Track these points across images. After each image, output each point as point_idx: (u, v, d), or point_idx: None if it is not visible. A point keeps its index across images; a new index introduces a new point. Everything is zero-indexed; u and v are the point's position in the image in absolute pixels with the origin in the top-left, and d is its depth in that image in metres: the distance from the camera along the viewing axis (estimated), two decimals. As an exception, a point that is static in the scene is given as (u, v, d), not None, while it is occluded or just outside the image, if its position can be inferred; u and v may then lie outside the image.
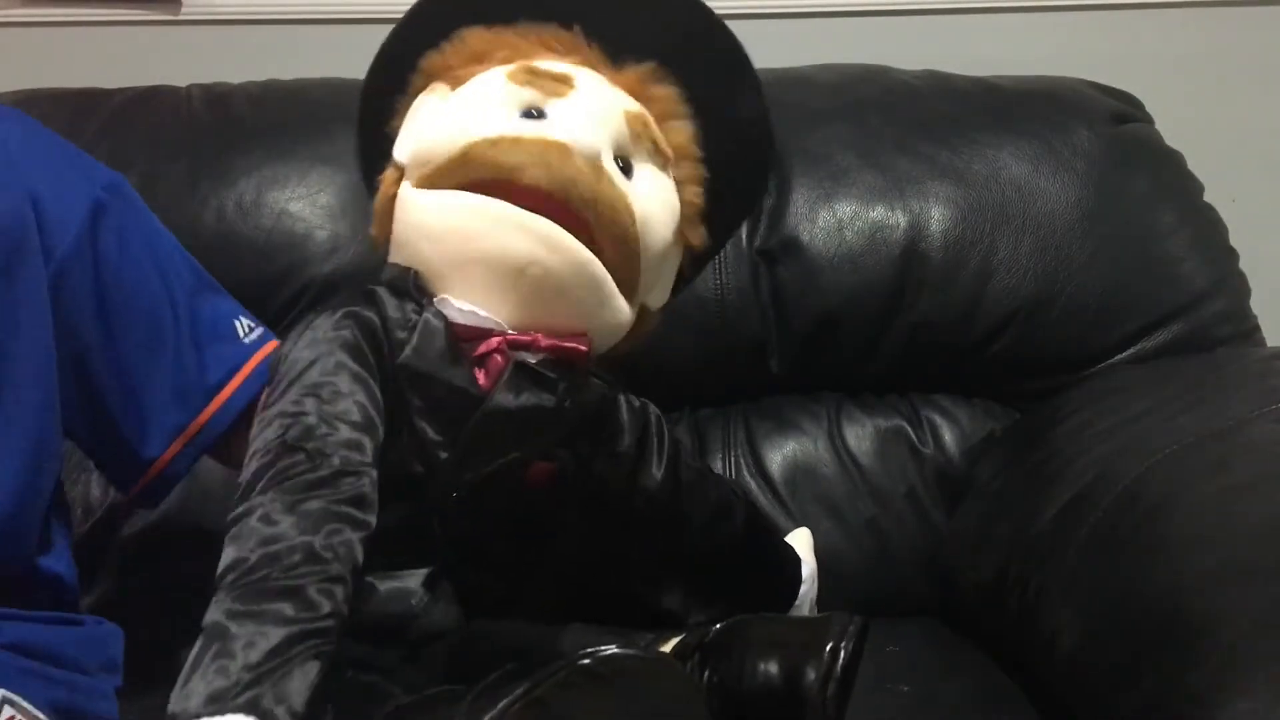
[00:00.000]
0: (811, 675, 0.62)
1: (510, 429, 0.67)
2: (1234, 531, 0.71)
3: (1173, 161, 1.16)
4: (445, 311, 0.68)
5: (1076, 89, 1.19)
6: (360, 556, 0.59)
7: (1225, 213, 1.15)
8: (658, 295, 0.76)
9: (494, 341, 0.67)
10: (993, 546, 0.93)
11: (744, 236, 1.10)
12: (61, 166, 0.79)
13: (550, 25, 0.74)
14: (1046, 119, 1.14)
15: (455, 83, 0.73)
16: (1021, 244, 1.09)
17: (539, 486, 0.70)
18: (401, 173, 0.73)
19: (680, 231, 0.74)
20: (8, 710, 0.66)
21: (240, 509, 0.59)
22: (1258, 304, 1.13)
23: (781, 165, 1.11)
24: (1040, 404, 1.06)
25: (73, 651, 0.75)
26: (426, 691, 0.61)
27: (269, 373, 0.67)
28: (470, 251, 0.67)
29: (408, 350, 0.66)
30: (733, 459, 1.09)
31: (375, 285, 0.69)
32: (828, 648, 0.63)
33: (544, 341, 0.67)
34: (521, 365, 0.66)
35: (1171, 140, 1.17)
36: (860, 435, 1.10)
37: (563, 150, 0.67)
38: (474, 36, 0.74)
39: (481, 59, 0.73)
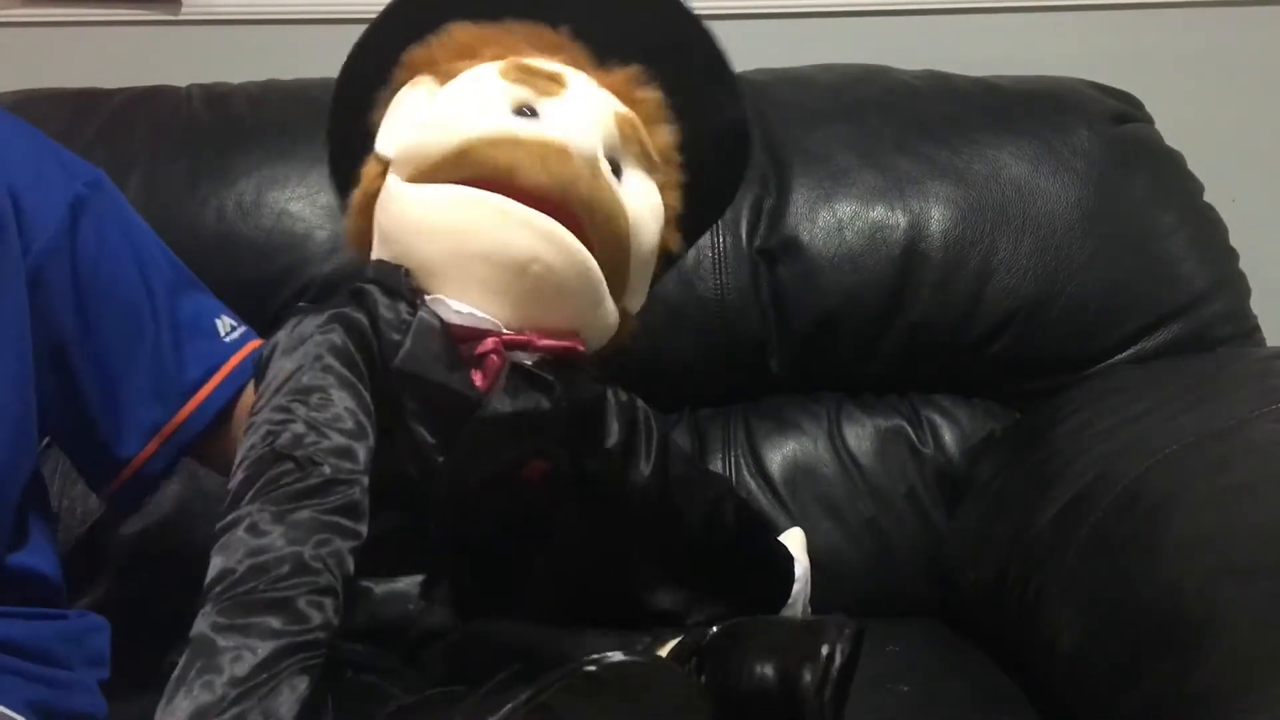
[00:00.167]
0: (807, 678, 0.62)
1: (508, 431, 0.66)
2: (1234, 531, 0.71)
3: (1173, 161, 1.16)
4: (440, 311, 0.66)
5: (1076, 89, 1.19)
6: (350, 567, 0.58)
7: (1225, 213, 1.15)
8: (636, 299, 0.76)
9: (490, 342, 0.66)
10: (993, 546, 0.93)
11: (744, 236, 1.11)
12: (42, 162, 0.78)
13: (537, 24, 0.74)
14: (1046, 119, 1.14)
15: (442, 77, 0.72)
16: (1021, 244, 1.09)
17: (534, 484, 0.69)
18: (385, 166, 0.71)
19: (662, 235, 0.74)
20: None
21: (228, 519, 0.58)
22: (1258, 304, 1.13)
23: (781, 165, 1.12)
24: (1040, 404, 1.06)
25: (53, 646, 0.74)
26: (427, 692, 0.60)
27: (254, 376, 0.66)
28: (470, 247, 0.66)
29: (402, 352, 0.65)
30: (733, 459, 1.09)
31: (364, 283, 0.67)
32: (823, 651, 0.62)
33: (540, 341, 0.67)
34: (518, 367, 0.66)
35: (1171, 140, 1.17)
36: (860, 435, 1.10)
37: (562, 151, 0.66)
38: (461, 31, 0.73)
39: (469, 54, 0.72)
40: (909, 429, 1.10)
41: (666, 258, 0.78)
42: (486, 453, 0.66)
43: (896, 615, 1.00)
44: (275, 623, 0.54)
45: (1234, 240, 1.14)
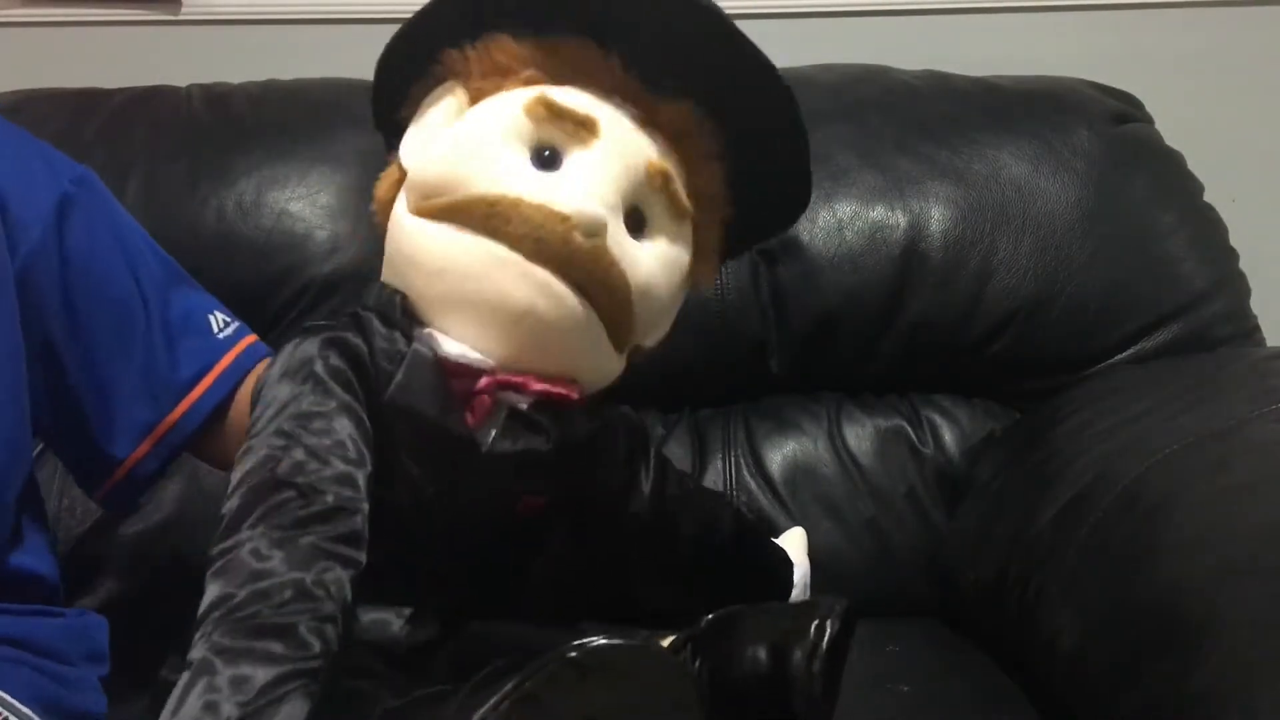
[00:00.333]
0: (798, 655, 0.62)
1: (500, 471, 0.65)
2: (1234, 531, 0.71)
3: (1173, 161, 1.16)
4: (434, 346, 0.65)
5: (1076, 89, 1.19)
6: (350, 595, 0.57)
7: (1225, 213, 1.15)
8: (654, 336, 0.73)
9: (484, 382, 0.64)
10: (993, 546, 0.93)
11: (744, 236, 1.11)
12: (28, 161, 0.78)
13: (586, 43, 0.68)
14: (1046, 119, 1.14)
15: (473, 95, 0.68)
16: (1021, 244, 1.09)
17: (529, 517, 0.68)
18: (401, 176, 0.69)
19: (689, 276, 0.71)
20: None
21: (226, 543, 0.57)
22: (1258, 304, 1.13)
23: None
24: (1040, 404, 1.06)
25: (56, 643, 0.74)
26: (415, 693, 0.60)
27: (253, 399, 0.64)
28: (466, 292, 0.64)
29: (393, 385, 0.63)
30: (733, 459, 1.09)
31: (364, 308, 0.66)
32: (814, 625, 0.63)
33: (534, 385, 0.65)
34: (514, 411, 0.65)
35: (1171, 140, 1.17)
36: (860, 435, 1.10)
37: (563, 222, 0.63)
38: (500, 48, 0.68)
39: (504, 73, 0.68)
40: (909, 429, 1.10)
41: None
42: (478, 490, 0.65)
43: (896, 615, 1.00)
44: (277, 648, 0.53)
45: (1234, 240, 1.14)
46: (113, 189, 0.84)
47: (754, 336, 1.10)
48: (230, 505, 0.59)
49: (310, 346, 0.63)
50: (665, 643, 0.69)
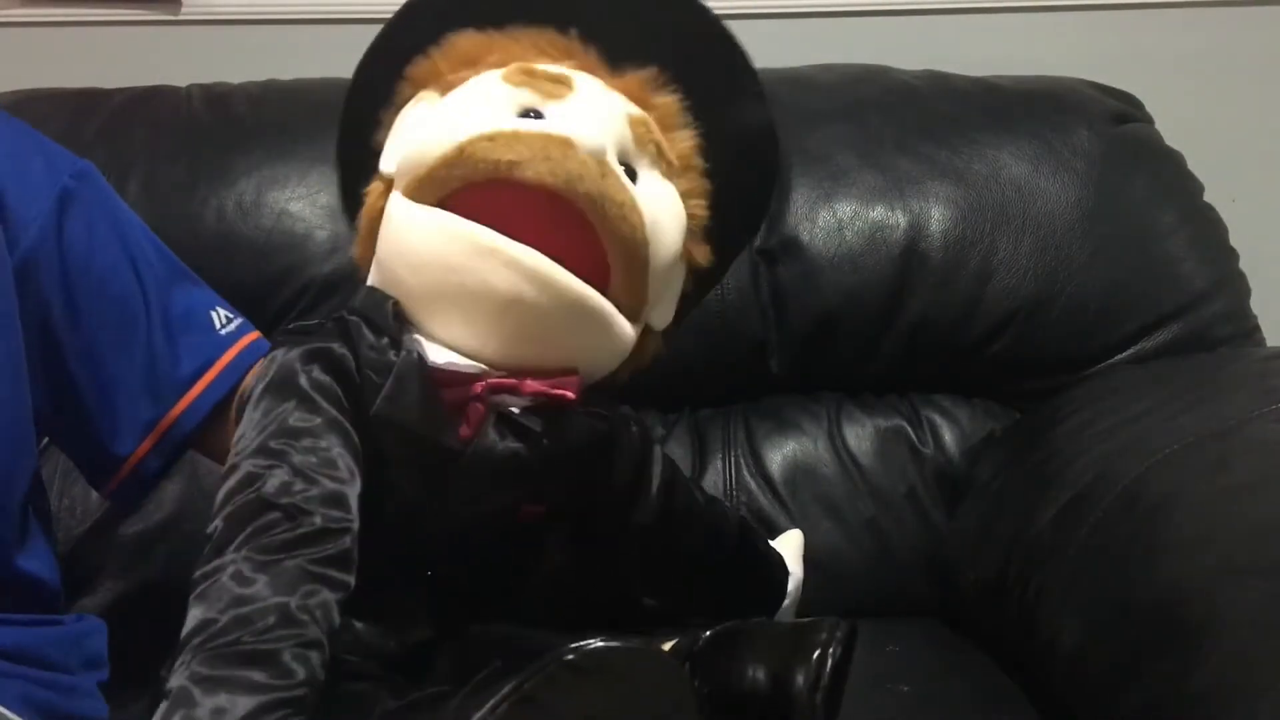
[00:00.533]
0: (800, 680, 0.61)
1: (493, 480, 0.63)
2: (1234, 531, 0.71)
3: (1173, 161, 1.16)
4: (424, 353, 0.63)
5: (1076, 89, 1.19)
6: (337, 619, 0.56)
7: (1225, 213, 1.15)
8: (661, 314, 0.72)
9: (475, 388, 0.63)
10: (993, 546, 0.93)
11: (744, 236, 1.10)
12: (27, 155, 0.77)
13: (545, 28, 0.70)
14: (1046, 119, 1.14)
15: (445, 88, 0.69)
16: (1021, 244, 1.09)
17: (528, 522, 0.67)
18: (389, 185, 0.69)
19: (685, 246, 0.70)
20: None
21: (210, 565, 0.55)
22: (1258, 304, 1.12)
23: (782, 166, 1.11)
24: (1040, 404, 1.06)
25: (54, 651, 0.73)
26: (413, 695, 0.60)
27: (237, 411, 0.63)
28: (450, 285, 0.63)
29: (381, 397, 0.61)
30: (733, 459, 1.09)
31: (351, 314, 0.64)
32: (815, 653, 0.62)
33: (529, 386, 0.63)
34: (503, 416, 0.63)
35: (1171, 140, 1.17)
36: (860, 435, 1.10)
37: (566, 144, 0.62)
38: (464, 40, 0.70)
39: (472, 63, 0.69)
40: (909, 429, 1.10)
41: (701, 276, 0.74)
42: (471, 500, 0.64)
43: (896, 615, 1.00)
44: (259, 677, 0.51)
45: (1234, 240, 1.14)
46: (113, 189, 0.83)
47: (754, 336, 1.10)
48: (215, 526, 0.57)
49: (292, 359, 0.61)
50: (666, 647, 0.69)
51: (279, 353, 0.62)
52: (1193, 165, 1.16)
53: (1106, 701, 0.72)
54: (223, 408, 0.80)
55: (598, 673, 0.53)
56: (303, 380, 0.60)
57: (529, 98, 0.66)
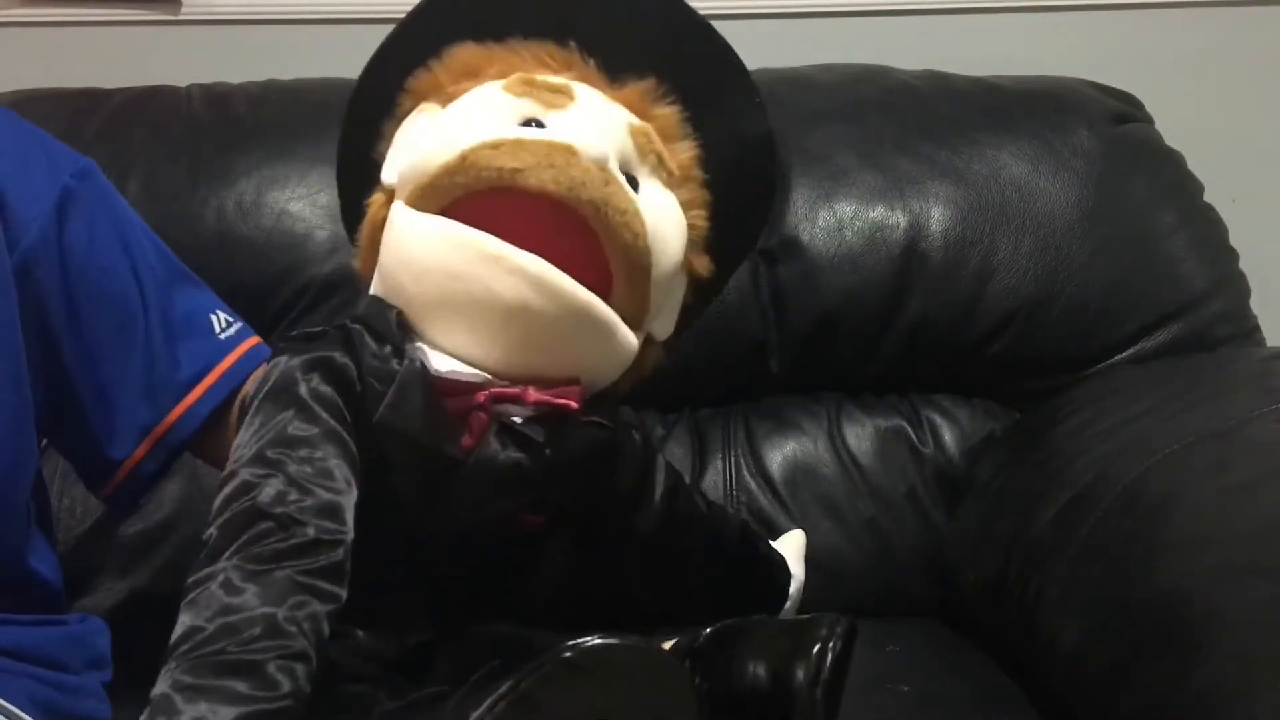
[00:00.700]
0: (800, 675, 0.61)
1: (495, 490, 0.64)
2: (1234, 531, 0.71)
3: (1173, 161, 1.16)
4: (427, 362, 0.63)
5: (1076, 89, 1.19)
6: (327, 631, 0.55)
7: (1225, 213, 1.15)
8: (663, 324, 0.72)
9: (478, 398, 0.62)
10: (993, 546, 0.93)
11: (744, 236, 1.10)
12: (29, 153, 0.76)
13: (544, 41, 0.71)
14: (1046, 119, 1.14)
15: (446, 100, 0.69)
16: (1021, 244, 1.09)
17: (530, 530, 0.67)
18: (390, 196, 0.69)
19: (686, 256, 0.70)
20: None
21: (201, 573, 0.55)
22: (1258, 304, 1.13)
23: (781, 165, 1.11)
24: (1040, 404, 1.06)
25: (58, 651, 0.73)
26: (412, 696, 0.59)
27: (238, 416, 0.63)
28: (454, 293, 0.63)
29: (384, 406, 0.61)
30: (733, 459, 1.09)
31: (354, 321, 0.64)
32: (815, 648, 0.62)
33: (532, 396, 0.63)
34: (505, 426, 0.63)
35: (1171, 140, 1.17)
36: (860, 435, 1.10)
37: (569, 151, 0.62)
38: (465, 52, 0.71)
39: (474, 74, 0.70)
40: (909, 429, 1.10)
41: (701, 288, 0.74)
42: (473, 509, 0.64)
43: (896, 615, 1.00)
44: (242, 687, 0.51)
45: (1234, 240, 1.14)
46: (114, 188, 0.83)
47: (754, 336, 1.10)
48: (210, 533, 0.57)
49: (293, 368, 0.61)
50: (666, 646, 0.69)
51: (280, 360, 0.62)
52: (1193, 165, 1.16)
53: (1106, 701, 0.72)
54: (220, 414, 0.80)
55: (596, 671, 0.53)
56: (302, 389, 0.60)
57: (530, 107, 0.66)
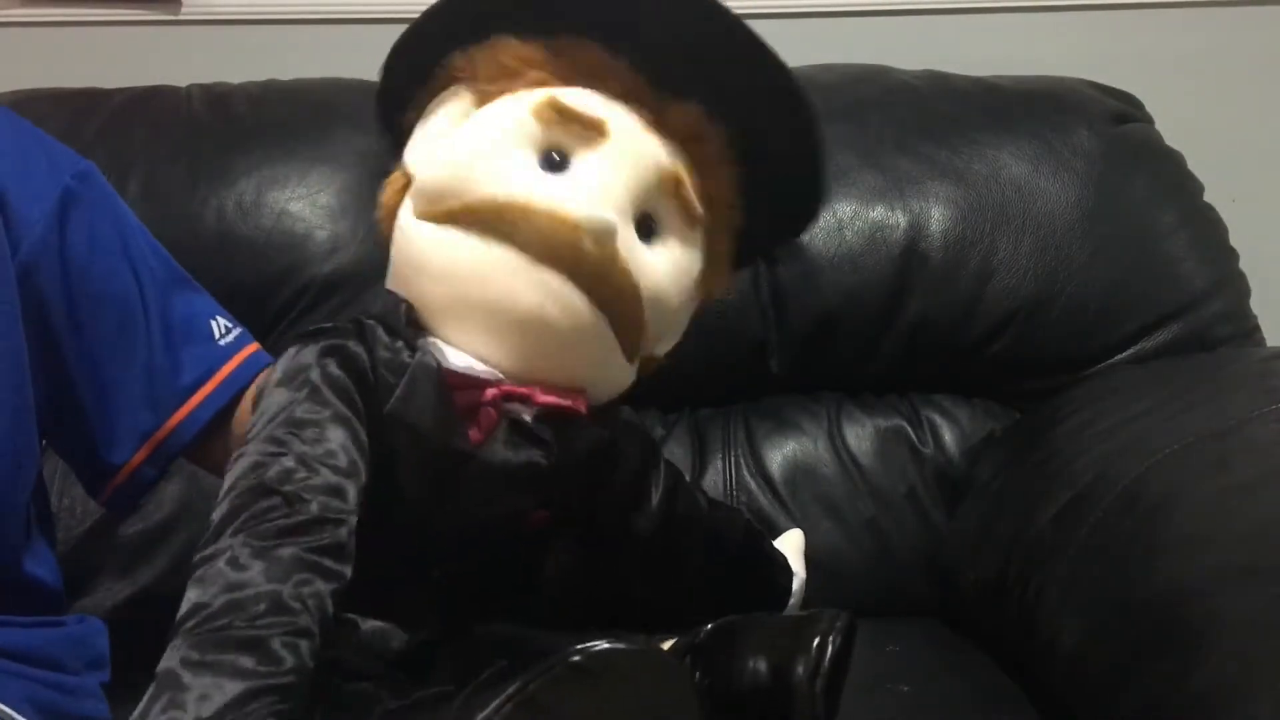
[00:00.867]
0: (800, 670, 0.62)
1: (503, 485, 0.64)
2: (1234, 531, 0.71)
3: (1173, 161, 1.16)
4: (439, 357, 0.63)
5: (1076, 89, 1.19)
6: (330, 609, 0.56)
7: (1225, 213, 1.15)
8: (665, 345, 0.72)
9: (489, 394, 0.63)
10: (993, 546, 0.93)
11: (744, 236, 1.10)
12: (30, 155, 0.76)
13: (593, 45, 0.66)
14: (1046, 119, 1.14)
15: (479, 98, 0.67)
16: (1021, 244, 1.09)
17: (534, 528, 0.68)
18: (407, 182, 0.68)
19: (701, 284, 0.70)
20: None
21: (208, 550, 0.56)
22: (1258, 304, 1.13)
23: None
24: (1040, 404, 1.06)
25: (56, 652, 0.73)
26: (416, 695, 0.60)
27: (253, 403, 0.63)
28: (472, 296, 0.63)
29: (394, 397, 0.62)
30: (733, 459, 1.09)
31: (368, 316, 0.65)
32: (815, 643, 0.62)
33: (540, 397, 0.63)
34: (516, 423, 0.63)
35: (1171, 140, 1.17)
36: (860, 435, 1.10)
37: (572, 229, 0.61)
38: (506, 50, 0.67)
39: (511, 76, 0.67)
40: (909, 429, 1.10)
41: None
42: (480, 505, 0.64)
43: (896, 615, 1.00)
44: (247, 662, 0.52)
45: (1234, 240, 1.14)
46: (114, 190, 0.83)
47: (754, 336, 1.10)
48: (217, 511, 0.58)
49: (309, 353, 0.62)
50: (665, 646, 0.69)
51: (295, 348, 0.63)
52: (1193, 165, 1.16)
53: (1106, 701, 0.72)
54: (219, 421, 0.80)
55: (602, 674, 0.53)
56: (315, 374, 0.61)
57: (558, 140, 0.64)
